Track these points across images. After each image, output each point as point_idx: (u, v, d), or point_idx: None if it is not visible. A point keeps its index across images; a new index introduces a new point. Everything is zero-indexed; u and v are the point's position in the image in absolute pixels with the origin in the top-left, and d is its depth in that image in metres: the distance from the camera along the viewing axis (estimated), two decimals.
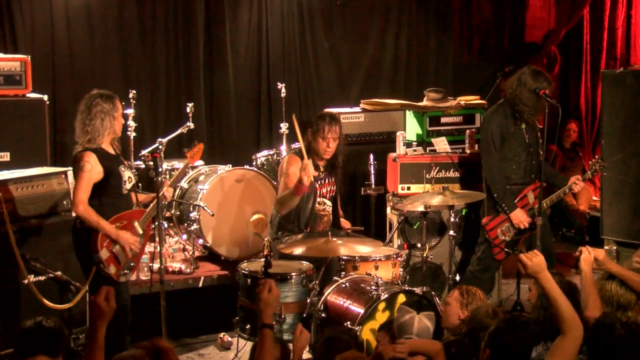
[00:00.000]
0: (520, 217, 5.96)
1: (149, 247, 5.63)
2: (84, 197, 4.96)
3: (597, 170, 6.08)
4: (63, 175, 5.68)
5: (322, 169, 5.82)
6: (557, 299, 3.49)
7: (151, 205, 5.22)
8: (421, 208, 5.64)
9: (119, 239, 5.04)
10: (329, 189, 5.88)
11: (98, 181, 5.03)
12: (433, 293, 5.28)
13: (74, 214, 5.14)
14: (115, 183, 5.09)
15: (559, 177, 6.34)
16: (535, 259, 3.55)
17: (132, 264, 5.18)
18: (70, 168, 5.73)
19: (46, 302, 4.98)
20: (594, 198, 8.76)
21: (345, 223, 6.15)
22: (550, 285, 3.53)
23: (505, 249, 6.05)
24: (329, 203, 5.86)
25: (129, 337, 5.29)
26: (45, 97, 6.20)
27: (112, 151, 5.16)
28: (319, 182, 5.82)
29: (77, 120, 5.13)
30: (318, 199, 5.79)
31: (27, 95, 6.13)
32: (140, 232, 5.17)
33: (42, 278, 5.34)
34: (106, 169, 5.05)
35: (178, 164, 6.98)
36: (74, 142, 6.98)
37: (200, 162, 7.12)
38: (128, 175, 5.18)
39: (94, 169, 4.99)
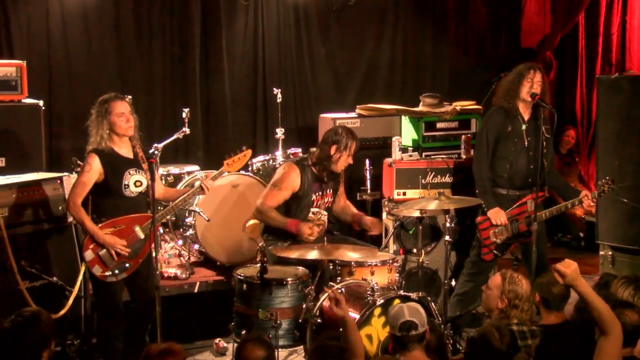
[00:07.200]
0: (498, 216, 5.93)
1: None
2: (76, 197, 5.16)
3: (605, 192, 5.99)
4: (59, 181, 5.68)
5: (325, 180, 5.83)
6: (595, 302, 3.63)
7: (166, 209, 5.39)
8: (417, 214, 5.64)
9: (104, 242, 5.14)
10: (326, 200, 5.88)
11: (100, 182, 5.20)
12: (429, 298, 5.28)
13: None
14: (115, 185, 5.21)
15: (569, 190, 6.25)
16: (572, 267, 3.66)
17: (128, 265, 5.23)
18: (67, 173, 5.79)
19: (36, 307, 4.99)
20: (592, 204, 8.75)
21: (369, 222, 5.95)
22: (587, 290, 3.66)
23: (494, 251, 6.03)
24: (324, 213, 5.86)
25: (122, 343, 5.31)
26: (41, 103, 6.20)
27: (125, 152, 5.29)
28: (320, 193, 5.83)
29: None
30: (314, 209, 5.80)
31: (23, 100, 6.13)
32: (142, 236, 5.24)
33: (37, 283, 5.34)
34: (106, 171, 5.19)
35: (174, 169, 6.99)
36: (70, 147, 7.00)
37: (195, 167, 7.13)
38: (136, 179, 5.26)
39: (93, 170, 5.17)
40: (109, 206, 5.22)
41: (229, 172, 5.67)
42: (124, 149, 5.29)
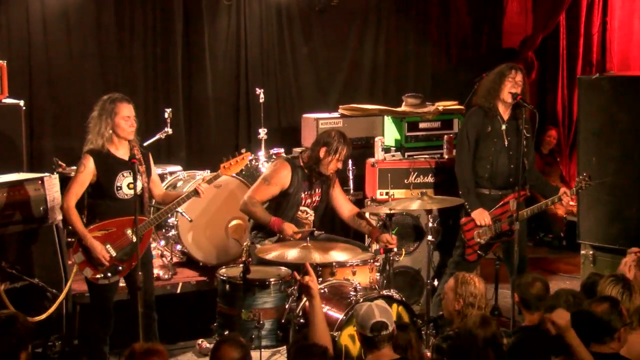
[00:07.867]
0: (482, 217, 5.97)
1: None
2: (69, 198, 5.13)
3: (583, 188, 6.05)
4: (39, 182, 5.63)
5: (314, 180, 5.83)
6: (583, 354, 3.69)
7: (158, 213, 5.35)
8: (386, 210, 5.63)
9: (90, 246, 5.11)
10: (314, 200, 5.87)
11: (93, 183, 5.17)
12: (401, 295, 5.26)
13: None
14: (107, 186, 5.17)
15: (549, 187, 6.33)
16: (565, 318, 3.73)
17: (120, 268, 5.22)
18: (48, 174, 5.75)
19: (13, 310, 4.97)
20: (571, 203, 8.80)
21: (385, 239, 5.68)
22: (577, 342, 3.73)
23: (478, 252, 6.07)
24: (311, 212, 5.85)
25: (107, 346, 5.29)
26: (22, 103, 6.16)
27: (121, 154, 5.20)
28: (309, 192, 5.82)
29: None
30: (301, 207, 5.80)
31: (3, 100, 6.09)
32: (134, 239, 5.16)
33: (18, 285, 5.31)
34: (99, 172, 5.15)
35: (156, 170, 6.94)
36: (50, 147, 6.94)
37: (178, 168, 7.11)
38: (129, 182, 5.18)
39: (87, 171, 5.13)
40: (102, 207, 5.19)
41: (224, 174, 5.52)
42: (121, 151, 5.23)
